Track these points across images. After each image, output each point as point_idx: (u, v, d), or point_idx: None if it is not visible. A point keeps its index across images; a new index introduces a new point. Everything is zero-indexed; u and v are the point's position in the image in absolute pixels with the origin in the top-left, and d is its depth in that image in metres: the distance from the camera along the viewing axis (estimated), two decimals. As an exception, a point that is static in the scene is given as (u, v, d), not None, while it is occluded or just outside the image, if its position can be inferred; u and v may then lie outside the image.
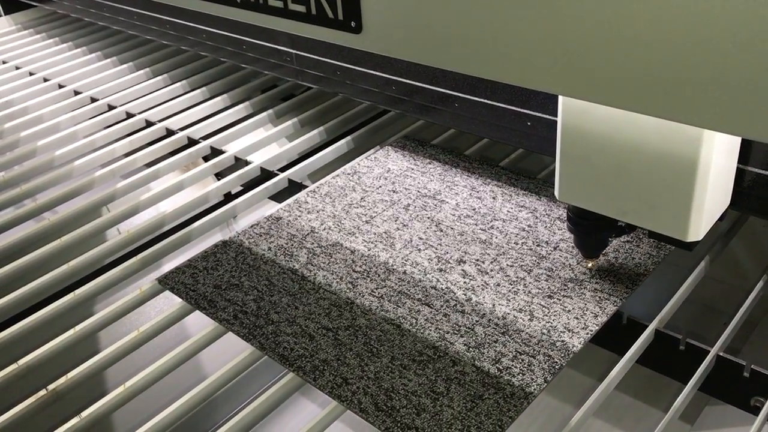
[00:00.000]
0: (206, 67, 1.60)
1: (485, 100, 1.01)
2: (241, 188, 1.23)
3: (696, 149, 0.67)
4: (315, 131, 1.30)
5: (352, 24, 0.73)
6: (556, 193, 0.80)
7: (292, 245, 0.99)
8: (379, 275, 0.92)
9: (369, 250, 0.97)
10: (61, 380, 0.83)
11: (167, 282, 0.94)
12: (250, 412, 0.78)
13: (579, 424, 0.72)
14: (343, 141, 1.26)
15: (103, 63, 1.66)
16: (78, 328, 0.89)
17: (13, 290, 0.97)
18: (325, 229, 1.02)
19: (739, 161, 0.77)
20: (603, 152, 0.73)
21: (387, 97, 1.15)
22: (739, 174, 0.78)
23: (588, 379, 0.87)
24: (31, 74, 1.66)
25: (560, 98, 0.74)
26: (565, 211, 0.90)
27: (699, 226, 0.72)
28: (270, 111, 1.38)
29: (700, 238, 0.73)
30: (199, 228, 1.08)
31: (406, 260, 0.94)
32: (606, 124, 0.72)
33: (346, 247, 0.98)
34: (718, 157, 0.69)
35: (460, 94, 1.04)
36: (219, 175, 1.27)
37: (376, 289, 0.90)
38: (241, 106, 1.41)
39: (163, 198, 1.18)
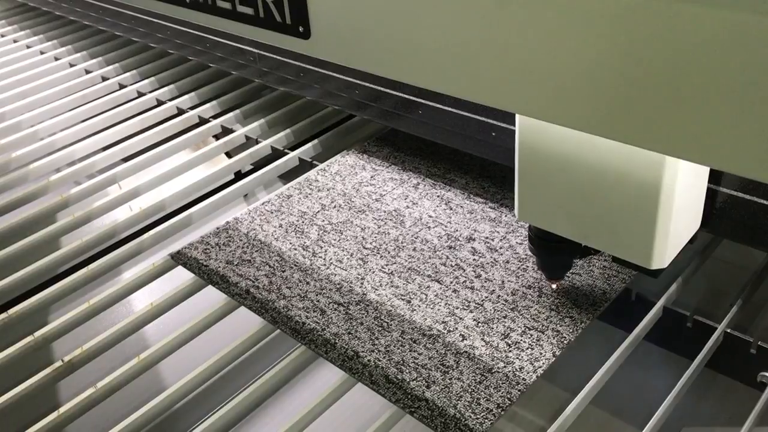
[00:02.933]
0: (173, 64, 1.55)
1: (449, 108, 0.97)
2: (252, 167, 1.24)
3: (658, 173, 0.62)
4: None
5: (301, 29, 0.70)
6: (516, 213, 0.77)
7: (303, 222, 1.00)
8: (389, 252, 0.93)
9: (379, 228, 0.98)
10: (77, 352, 0.84)
11: (180, 258, 0.95)
12: (261, 385, 0.79)
13: (580, 406, 0.73)
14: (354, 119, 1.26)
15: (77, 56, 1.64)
16: (92, 301, 0.90)
17: (27, 265, 0.98)
18: (335, 206, 1.03)
19: (711, 181, 0.73)
20: (562, 172, 0.69)
21: (351, 101, 1.11)
22: (712, 194, 0.74)
23: (564, 393, 0.86)
24: (42, 53, 1.67)
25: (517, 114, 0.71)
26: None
27: (664, 253, 0.68)
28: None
29: (665, 266, 0.69)
30: (209, 206, 1.09)
31: (416, 237, 0.95)
32: (564, 143, 0.67)
33: (356, 225, 0.99)
34: (683, 180, 0.64)
35: (423, 101, 1.00)
36: (229, 154, 1.28)
37: (387, 265, 0.91)
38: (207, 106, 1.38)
39: (175, 176, 1.19)
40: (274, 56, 1.21)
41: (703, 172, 0.70)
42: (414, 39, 0.60)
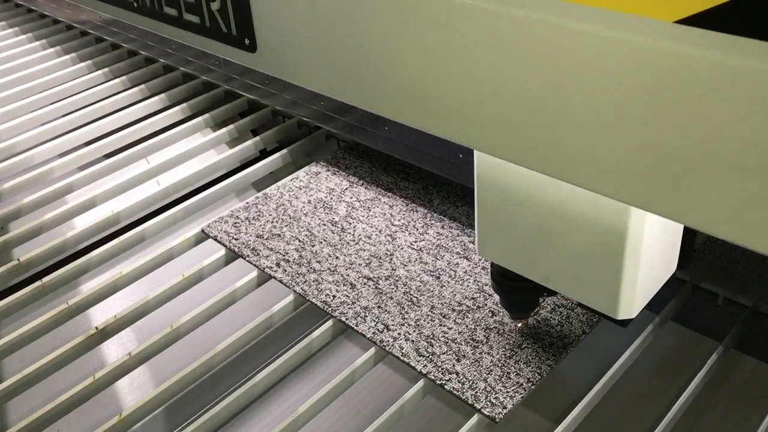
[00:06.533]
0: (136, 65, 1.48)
1: (414, 126, 0.93)
2: (278, 144, 1.24)
3: (624, 220, 0.57)
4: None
5: (246, 42, 0.66)
6: (476, 248, 0.71)
7: (332, 199, 1.01)
8: (417, 229, 0.94)
9: (407, 205, 0.98)
10: (110, 320, 0.85)
11: (211, 231, 0.96)
12: (292, 356, 0.80)
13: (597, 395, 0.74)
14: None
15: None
16: (124, 271, 0.92)
17: (60, 234, 0.99)
18: (363, 184, 1.03)
19: None
20: (522, 211, 0.63)
21: (318, 112, 1.06)
22: (690, 234, 0.68)
23: (594, 370, 0.85)
24: (70, 28, 1.67)
25: None
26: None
27: (631, 304, 0.62)
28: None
29: (633, 316, 0.63)
30: (235, 182, 1.09)
31: (444, 215, 0.96)
32: (524, 180, 0.62)
33: (384, 202, 0.99)
34: (652, 227, 0.58)
35: (389, 117, 0.97)
36: (255, 131, 1.28)
37: (415, 242, 0.91)
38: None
39: (200, 153, 1.19)
40: (239, 62, 1.17)
41: None
42: (362, 61, 0.56)
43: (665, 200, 0.42)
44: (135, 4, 0.78)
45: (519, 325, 0.78)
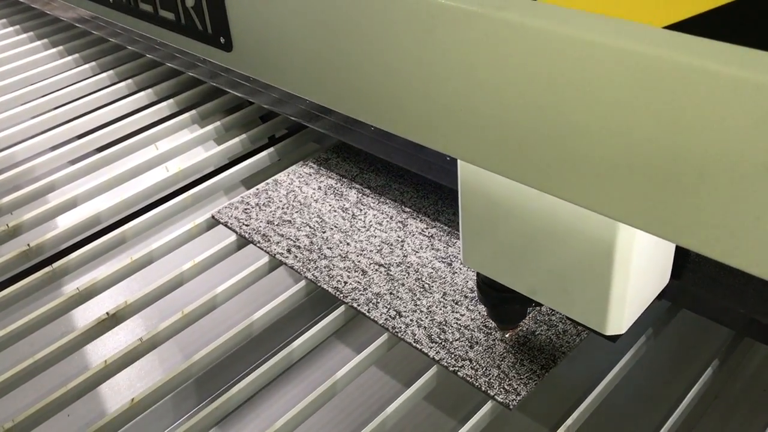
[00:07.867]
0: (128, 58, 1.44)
1: (394, 132, 0.88)
2: (286, 131, 1.24)
3: (612, 232, 0.54)
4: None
5: (222, 40, 0.65)
6: (461, 257, 0.69)
7: (342, 185, 1.00)
8: (428, 216, 0.93)
9: (418, 192, 0.98)
10: (121, 305, 0.85)
11: (221, 217, 0.96)
12: (304, 342, 0.80)
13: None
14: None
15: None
16: (135, 257, 0.91)
17: (69, 220, 0.99)
18: (373, 170, 1.03)
19: None
20: (507, 220, 0.61)
21: (303, 111, 1.03)
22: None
23: (608, 357, 0.84)
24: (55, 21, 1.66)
25: None
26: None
27: (621, 319, 0.59)
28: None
29: (623, 332, 0.60)
30: (245, 168, 1.09)
31: (455, 201, 0.95)
32: (509, 189, 0.59)
33: (395, 189, 0.99)
34: (643, 239, 0.56)
35: (366, 121, 0.91)
36: (264, 118, 1.28)
37: (426, 228, 0.91)
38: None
39: (209, 139, 1.19)
40: (216, 61, 1.12)
41: None
42: (340, 63, 0.54)
43: (654, 217, 0.40)
44: (111, 0, 0.77)
45: (507, 335, 0.76)
